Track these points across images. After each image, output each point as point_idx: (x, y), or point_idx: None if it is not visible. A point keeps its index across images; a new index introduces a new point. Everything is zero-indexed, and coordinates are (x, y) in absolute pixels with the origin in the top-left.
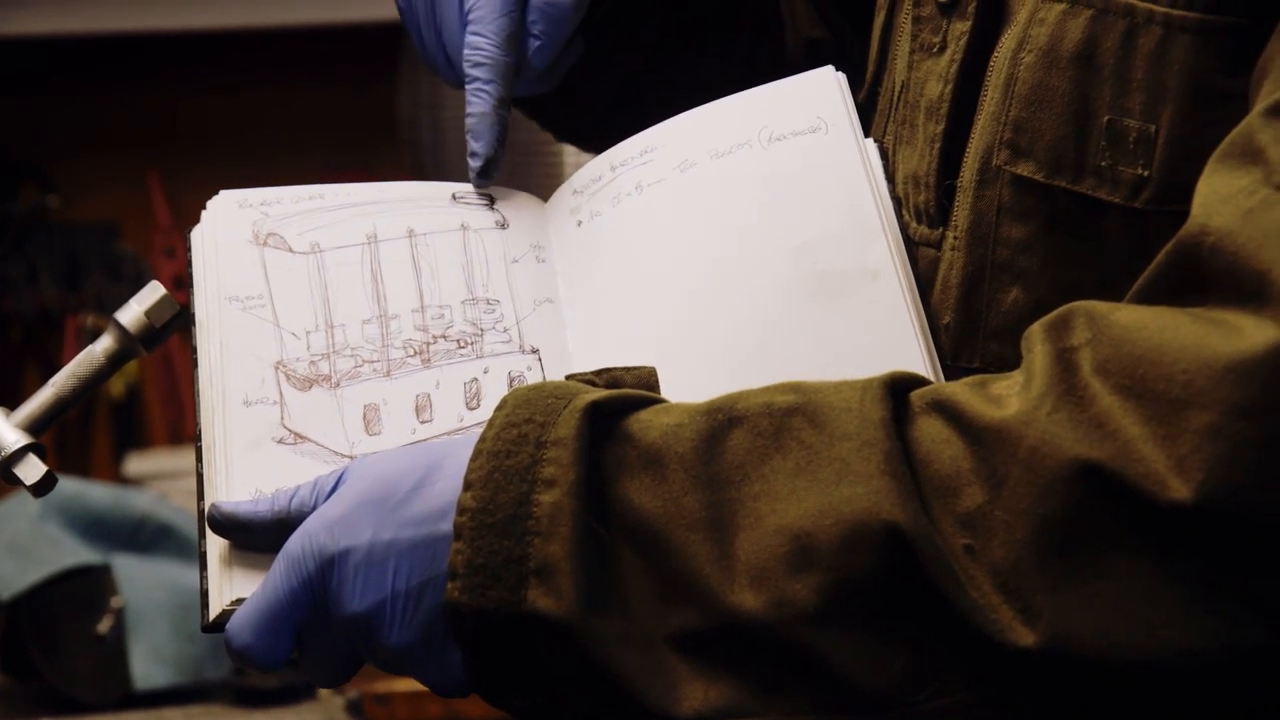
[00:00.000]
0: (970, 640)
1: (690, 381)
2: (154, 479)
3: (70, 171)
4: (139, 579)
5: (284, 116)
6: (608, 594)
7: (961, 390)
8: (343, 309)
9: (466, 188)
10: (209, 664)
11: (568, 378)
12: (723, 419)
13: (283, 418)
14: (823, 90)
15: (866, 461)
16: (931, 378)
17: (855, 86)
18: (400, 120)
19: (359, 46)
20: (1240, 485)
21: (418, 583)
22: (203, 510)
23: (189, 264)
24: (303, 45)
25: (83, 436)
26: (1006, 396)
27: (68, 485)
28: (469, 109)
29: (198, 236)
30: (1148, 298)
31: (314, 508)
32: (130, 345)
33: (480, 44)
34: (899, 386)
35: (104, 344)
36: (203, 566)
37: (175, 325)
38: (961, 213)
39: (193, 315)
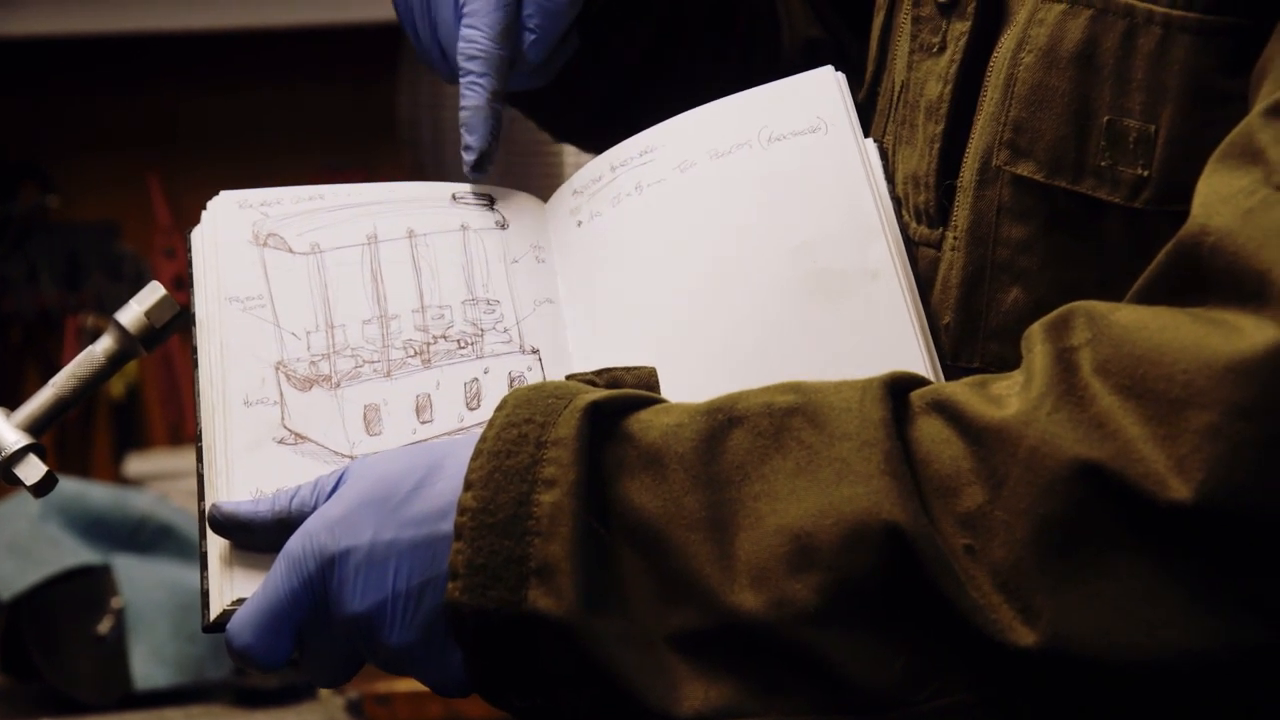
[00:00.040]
0: (970, 640)
1: (690, 381)
2: (154, 479)
3: (70, 171)
4: (139, 579)
5: (284, 117)
6: (608, 594)
7: (961, 390)
8: (343, 309)
9: (466, 188)
10: (209, 664)
11: (568, 378)
12: (723, 419)
13: (283, 418)
14: (822, 90)
15: (866, 461)
16: (931, 378)
17: (854, 86)
18: (400, 120)
19: (359, 46)
20: (1240, 485)
21: (418, 583)
22: (203, 510)
23: (189, 264)
24: (303, 46)
25: (83, 437)
26: (1006, 396)
27: (68, 485)
28: (463, 102)
29: (198, 237)
30: (1148, 298)
31: (314, 508)
32: (130, 345)
33: (475, 37)
34: (899, 386)
35: (104, 344)
36: (203, 566)
37: (175, 325)
38: (961, 213)
39: (193, 316)
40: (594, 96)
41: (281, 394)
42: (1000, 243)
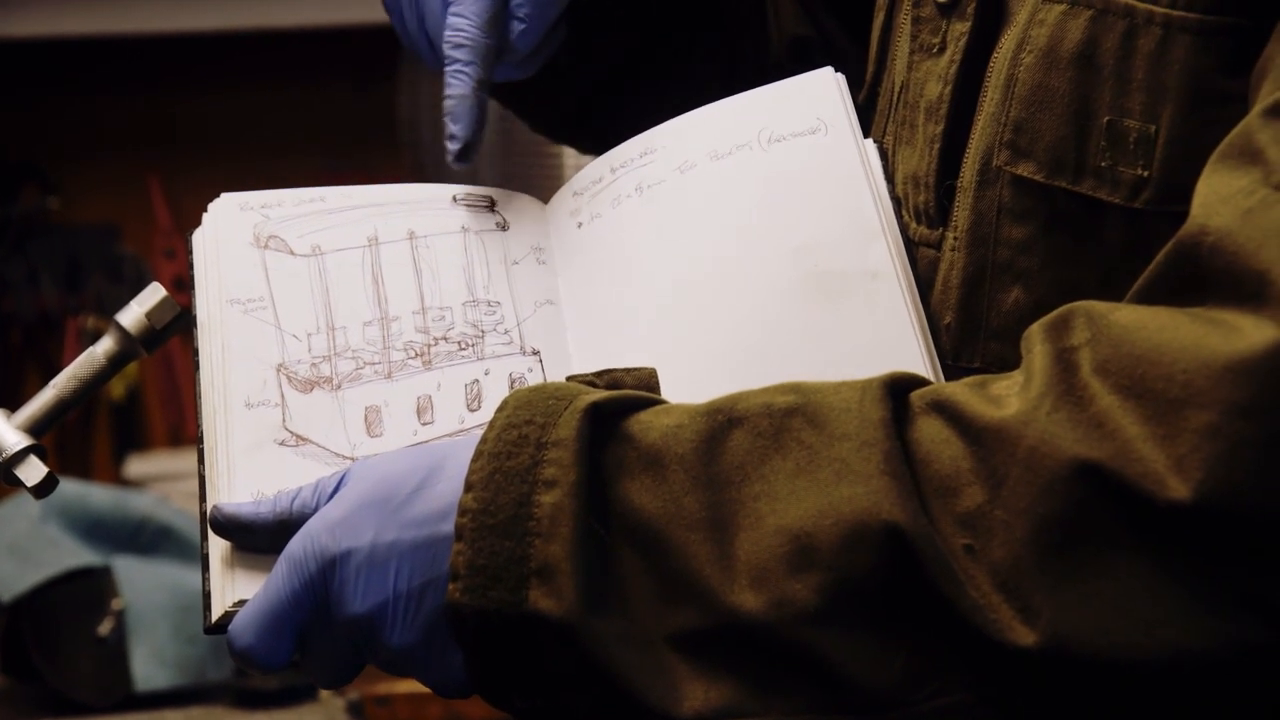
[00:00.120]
0: (970, 640)
1: (690, 382)
2: (154, 481)
3: (71, 173)
4: (140, 581)
5: (284, 119)
6: (608, 594)
7: (961, 390)
8: (344, 311)
9: (467, 189)
10: (210, 665)
11: (568, 379)
12: (723, 420)
13: (284, 420)
14: (822, 91)
15: (866, 461)
16: (931, 378)
17: (854, 87)
18: (400, 122)
19: (359, 48)
20: (1239, 485)
21: (419, 584)
22: (204, 512)
23: (190, 266)
24: (303, 47)
25: (83, 438)
26: (1006, 396)
27: (68, 487)
28: (447, 90)
29: (199, 239)
30: (1147, 298)
31: (315, 509)
32: (131, 347)
33: (461, 25)
34: (899, 387)
35: (105, 346)
36: (205, 568)
37: (176, 327)
38: (961, 213)
39: (194, 317)
40: (577, 91)
41: (283, 396)
42: (1000, 243)
